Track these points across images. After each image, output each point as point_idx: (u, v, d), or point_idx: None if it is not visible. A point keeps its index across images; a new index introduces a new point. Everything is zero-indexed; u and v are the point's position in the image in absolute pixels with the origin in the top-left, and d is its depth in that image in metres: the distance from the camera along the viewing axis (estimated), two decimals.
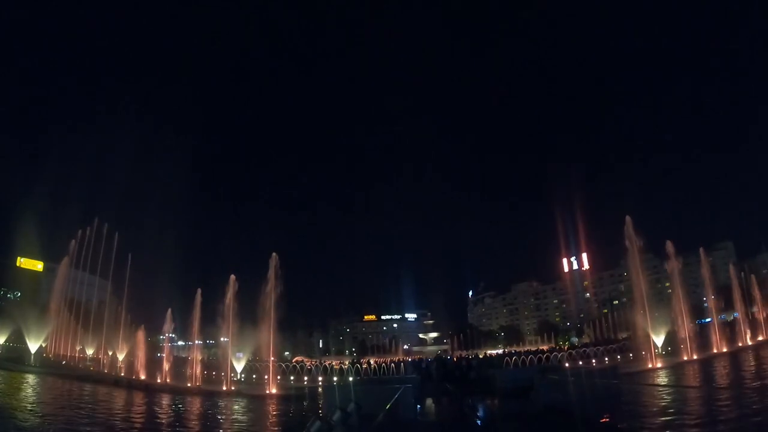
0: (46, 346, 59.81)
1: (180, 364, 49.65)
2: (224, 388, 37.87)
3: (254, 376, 44.64)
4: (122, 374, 48.49)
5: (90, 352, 61.80)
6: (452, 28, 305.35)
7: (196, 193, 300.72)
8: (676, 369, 37.91)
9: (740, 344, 48.99)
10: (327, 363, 74.89)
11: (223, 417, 25.96)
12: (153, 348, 67.35)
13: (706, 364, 38.52)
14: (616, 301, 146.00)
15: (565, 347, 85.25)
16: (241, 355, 46.03)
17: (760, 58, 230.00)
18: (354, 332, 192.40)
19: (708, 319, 58.19)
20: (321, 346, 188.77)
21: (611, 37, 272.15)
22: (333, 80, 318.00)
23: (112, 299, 68.44)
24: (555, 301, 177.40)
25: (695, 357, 42.09)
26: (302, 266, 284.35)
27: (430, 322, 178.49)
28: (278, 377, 40.13)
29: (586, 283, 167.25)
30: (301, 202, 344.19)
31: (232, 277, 41.20)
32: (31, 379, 40.13)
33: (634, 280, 46.85)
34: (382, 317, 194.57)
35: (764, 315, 54.86)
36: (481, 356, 73.03)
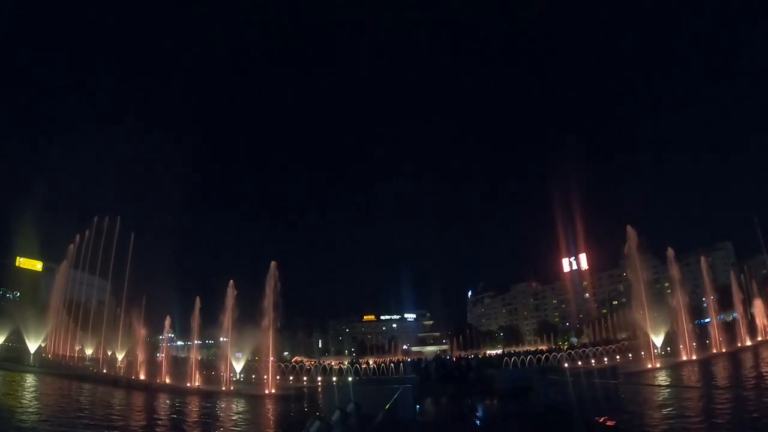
0: (46, 346, 59.74)
1: (179, 364, 49.61)
2: (223, 388, 37.85)
3: (253, 376, 44.62)
4: (121, 374, 48.44)
5: (89, 352, 61.73)
6: (451, 29, 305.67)
7: (197, 193, 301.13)
8: (675, 369, 37.90)
9: (739, 344, 49.01)
10: (326, 363, 74.89)
11: (223, 417, 25.94)
12: (152, 348, 67.34)
13: (706, 364, 38.53)
14: (616, 302, 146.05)
15: (564, 347, 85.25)
16: (240, 355, 46.00)
17: (760, 58, 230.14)
18: (353, 332, 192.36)
19: (707, 320, 58.23)
20: (320, 346, 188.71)
21: (613, 37, 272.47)
22: (331, 82, 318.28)
23: (111, 299, 68.41)
24: (554, 302, 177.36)
25: (694, 357, 42.10)
26: (302, 266, 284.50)
27: (430, 322, 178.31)
28: (277, 377, 40.09)
29: (585, 283, 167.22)
30: (301, 203, 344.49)
31: (231, 282, 41.34)
32: (30, 379, 40.09)
33: (634, 285, 46.84)
34: (382, 317, 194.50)
35: (763, 315, 54.86)
36: (480, 356, 73.08)
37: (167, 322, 50.54)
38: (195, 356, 44.64)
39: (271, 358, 38.53)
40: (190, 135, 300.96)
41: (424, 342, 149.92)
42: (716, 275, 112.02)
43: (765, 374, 30.14)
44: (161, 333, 57.37)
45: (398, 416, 17.52)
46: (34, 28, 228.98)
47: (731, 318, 58.64)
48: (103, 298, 71.39)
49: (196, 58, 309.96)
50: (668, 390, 23.67)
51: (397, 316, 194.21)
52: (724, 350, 46.10)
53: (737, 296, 54.59)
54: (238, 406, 30.46)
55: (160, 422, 23.31)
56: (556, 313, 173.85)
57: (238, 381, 41.01)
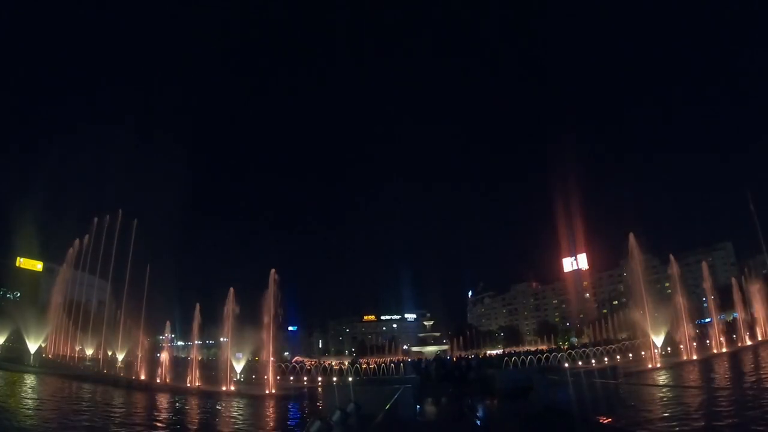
0: (46, 347, 59.74)
1: (179, 364, 49.61)
2: (224, 388, 37.85)
3: (254, 376, 44.62)
4: (122, 374, 48.44)
5: (89, 352, 61.75)
6: (450, 28, 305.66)
7: (199, 192, 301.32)
8: (676, 369, 37.88)
9: (740, 344, 49.00)
10: (326, 363, 74.90)
11: (223, 417, 25.93)
12: (152, 348, 67.34)
13: (706, 364, 38.51)
14: (616, 302, 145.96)
15: (565, 347, 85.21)
16: (240, 355, 45.99)
17: (761, 57, 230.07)
18: (353, 332, 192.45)
19: (708, 320, 58.22)
20: (320, 346, 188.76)
21: (613, 36, 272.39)
22: (330, 84, 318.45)
23: (112, 300, 68.40)
24: (554, 302, 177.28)
25: (695, 357, 42.09)
26: (303, 267, 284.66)
27: (430, 322, 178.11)
28: (278, 377, 40.09)
29: (585, 283, 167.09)
30: (302, 204, 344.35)
31: (231, 290, 41.76)
32: (30, 379, 40.10)
33: (635, 287, 47.00)
34: (382, 317, 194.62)
35: (763, 315, 54.82)
36: (480, 356, 73.03)
37: (168, 324, 50.66)
38: (195, 357, 44.65)
39: (272, 359, 38.53)
40: (191, 135, 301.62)
41: (424, 342, 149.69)
42: (716, 275, 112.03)
43: (765, 374, 30.14)
44: (161, 333, 57.41)
45: (398, 416, 17.52)
46: (36, 29, 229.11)
47: (732, 318, 58.61)
48: (104, 298, 71.40)
49: (196, 60, 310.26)
50: (669, 390, 23.66)
51: (398, 316, 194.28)
52: (724, 350, 46.07)
53: (737, 296, 54.57)
54: (238, 406, 30.45)
55: (160, 422, 23.31)
56: (556, 313, 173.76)
57: (238, 381, 41.00)
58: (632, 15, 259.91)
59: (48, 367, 49.86)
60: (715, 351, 45.71)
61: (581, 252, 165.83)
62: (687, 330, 44.29)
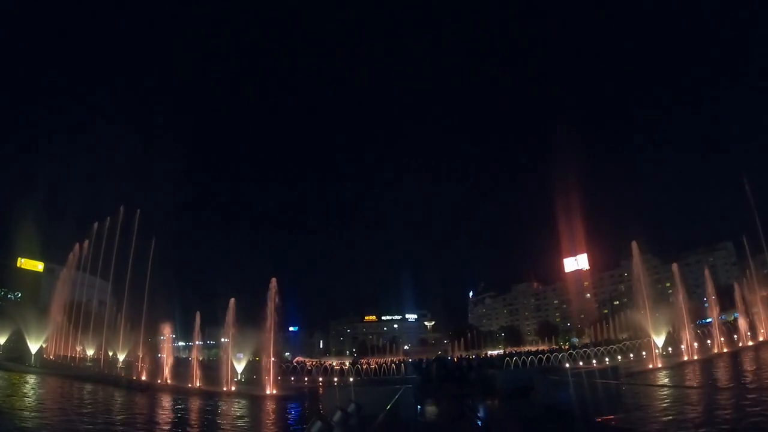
0: (47, 347, 59.77)
1: (180, 364, 49.63)
2: (224, 388, 37.85)
3: (254, 376, 44.61)
4: (122, 375, 48.46)
5: (90, 352, 61.78)
6: (448, 28, 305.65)
7: (200, 191, 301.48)
8: (676, 369, 37.85)
9: (741, 344, 48.94)
10: (327, 363, 74.88)
11: (224, 417, 25.94)
12: (153, 348, 67.33)
13: (707, 364, 38.47)
14: (617, 302, 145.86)
15: (566, 348, 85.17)
16: (241, 355, 45.99)
17: (762, 57, 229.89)
18: (354, 333, 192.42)
19: (709, 320, 58.16)
20: (321, 346, 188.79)
21: (614, 34, 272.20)
22: (330, 85, 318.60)
23: (112, 300, 68.46)
24: (555, 302, 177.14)
25: (696, 357, 42.05)
26: (304, 267, 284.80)
27: (431, 322, 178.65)
28: (279, 378, 40.10)
29: (586, 283, 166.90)
30: (303, 204, 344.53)
31: (232, 300, 42.15)
32: (31, 379, 40.13)
33: (636, 289, 47.22)
34: (383, 318, 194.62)
35: (764, 315, 54.77)
36: (481, 357, 73.00)
37: (168, 326, 50.65)
38: (196, 357, 44.65)
39: (272, 359, 38.53)
40: (193, 135, 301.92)
41: (425, 343, 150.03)
42: (717, 275, 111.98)
43: (766, 374, 30.12)
44: (162, 334, 57.37)
45: (399, 416, 17.51)
46: (36, 30, 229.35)
47: (732, 318, 58.56)
48: (104, 298, 71.48)
49: (197, 62, 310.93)
50: (670, 390, 23.64)
51: (399, 317, 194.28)
52: (725, 350, 46.03)
53: (738, 297, 54.52)
54: (239, 406, 30.47)
55: (161, 422, 23.32)
56: (557, 314, 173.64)
57: (239, 381, 40.99)
58: (634, 13, 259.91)
59: (49, 367, 49.88)
60: (716, 351, 45.65)
61: (582, 252, 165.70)
62: (688, 330, 44.28)
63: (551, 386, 21.02)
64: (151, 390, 38.22)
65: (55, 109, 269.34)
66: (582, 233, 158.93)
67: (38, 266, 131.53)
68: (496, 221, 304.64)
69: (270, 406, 30.75)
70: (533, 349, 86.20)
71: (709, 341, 48.86)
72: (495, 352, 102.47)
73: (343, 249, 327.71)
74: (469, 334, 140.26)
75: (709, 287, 57.33)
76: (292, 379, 47.16)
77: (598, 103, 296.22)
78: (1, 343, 59.31)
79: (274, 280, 38.75)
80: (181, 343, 79.57)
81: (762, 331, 53.37)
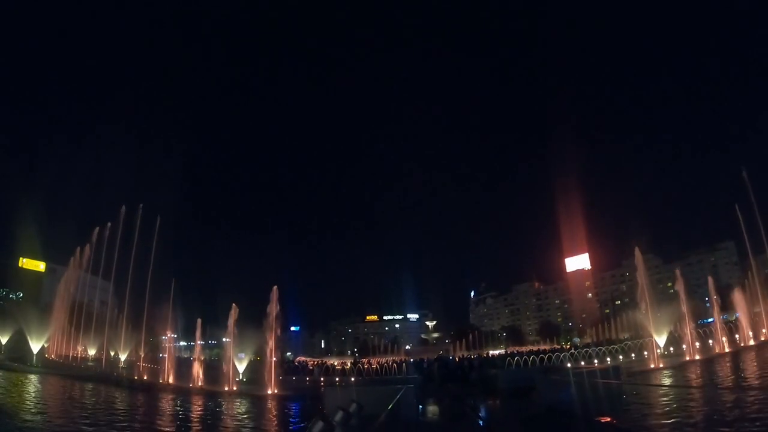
0: (48, 347, 59.86)
1: (182, 364, 49.68)
2: (226, 388, 37.89)
3: (256, 376, 44.66)
4: (124, 374, 48.53)
5: (92, 352, 61.87)
6: (447, 27, 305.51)
7: (203, 189, 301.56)
8: (678, 369, 37.80)
9: (742, 344, 48.86)
10: (329, 363, 74.88)
11: (225, 417, 25.97)
12: (155, 348, 67.36)
13: (709, 364, 38.41)
14: (618, 302, 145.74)
15: (567, 347, 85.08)
16: (242, 355, 46.05)
17: (764, 58, 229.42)
18: (356, 332, 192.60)
19: (710, 319, 58.07)
20: (323, 346, 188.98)
21: (615, 31, 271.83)
22: (329, 86, 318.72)
23: (114, 300, 68.51)
24: (557, 302, 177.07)
25: (697, 357, 41.99)
26: (305, 267, 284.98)
27: (432, 322, 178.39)
28: (280, 377, 40.14)
29: (587, 283, 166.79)
30: (304, 205, 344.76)
31: (234, 307, 42.18)
32: (33, 379, 40.20)
33: (638, 290, 47.46)
34: (384, 318, 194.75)
35: (766, 315, 54.64)
36: (482, 357, 72.95)
37: (170, 326, 50.74)
38: (198, 357, 44.72)
39: (274, 359, 38.58)
40: (195, 133, 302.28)
41: (426, 343, 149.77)
42: (718, 275, 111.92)
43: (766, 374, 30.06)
44: (164, 333, 57.43)
45: (401, 416, 17.50)
46: (36, 31, 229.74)
47: (734, 318, 58.45)
48: (106, 298, 71.53)
49: (196, 67, 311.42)
50: (671, 390, 23.61)
51: (400, 317, 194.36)
52: (727, 350, 45.95)
53: (739, 297, 54.42)
54: (241, 406, 30.50)
55: (162, 422, 23.35)
56: (558, 313, 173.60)
57: (240, 381, 41.04)
58: (635, 12, 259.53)
59: (50, 367, 49.97)
60: (717, 351, 45.58)
61: (584, 252, 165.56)
62: (689, 330, 44.24)
63: (553, 386, 21.02)
64: (152, 390, 38.27)
65: (57, 109, 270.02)
66: (583, 233, 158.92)
67: (40, 266, 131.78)
68: (497, 221, 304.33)
69: (271, 405, 30.79)
70: (534, 348, 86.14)
71: (710, 341, 48.79)
72: (496, 352, 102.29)
73: (345, 249, 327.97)
74: (470, 334, 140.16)
75: (711, 287, 57.23)
76: (294, 378, 47.17)
77: (599, 103, 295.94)
78: (3, 343, 59.42)
79: (275, 288, 38.98)
80: (182, 343, 79.70)
81: (764, 330, 53.25)
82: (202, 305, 44.21)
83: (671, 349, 47.34)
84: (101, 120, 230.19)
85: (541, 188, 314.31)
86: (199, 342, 47.81)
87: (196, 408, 29.20)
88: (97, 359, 58.29)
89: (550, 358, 51.11)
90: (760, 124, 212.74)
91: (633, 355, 48.93)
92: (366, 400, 14.61)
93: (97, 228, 62.31)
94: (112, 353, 59.76)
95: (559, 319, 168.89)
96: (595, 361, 49.22)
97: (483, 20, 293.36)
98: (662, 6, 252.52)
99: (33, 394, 31.40)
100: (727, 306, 61.78)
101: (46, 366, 50.31)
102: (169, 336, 56.76)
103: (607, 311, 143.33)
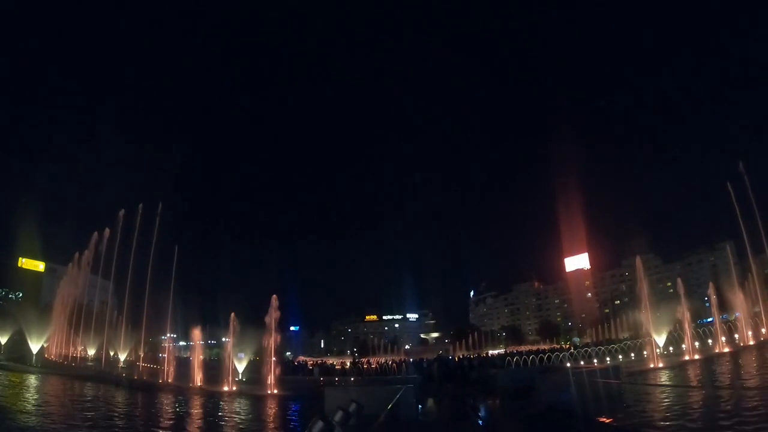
0: (48, 347, 59.82)
1: (182, 364, 49.64)
2: (226, 388, 37.87)
3: (256, 376, 44.66)
4: (124, 374, 48.50)
5: (91, 352, 61.85)
6: (445, 26, 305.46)
7: (205, 187, 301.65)
8: (678, 369, 37.80)
9: (742, 344, 48.86)
10: (329, 363, 74.88)
11: (225, 416, 25.96)
12: (154, 348, 67.32)
13: (708, 363, 38.39)
14: (618, 301, 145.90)
15: (567, 347, 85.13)
16: (242, 355, 46.01)
17: (764, 57, 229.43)
18: (356, 332, 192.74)
19: (710, 319, 58.07)
20: (323, 346, 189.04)
21: (616, 29, 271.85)
22: (329, 87, 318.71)
23: (114, 300, 68.45)
24: (556, 301, 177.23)
25: (697, 357, 41.99)
26: (306, 267, 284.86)
27: (432, 322, 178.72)
28: (280, 377, 40.13)
29: (587, 283, 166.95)
30: (304, 205, 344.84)
31: (233, 315, 42.44)
32: (32, 379, 40.15)
33: (638, 291, 47.72)
34: (384, 317, 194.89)
35: (766, 314, 54.63)
36: (482, 356, 72.95)
37: (169, 326, 50.76)
38: (197, 357, 44.68)
39: (273, 359, 38.59)
40: (196, 134, 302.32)
41: (426, 342, 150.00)
42: (718, 274, 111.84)
43: (767, 374, 30.07)
44: (163, 333, 57.37)
45: (400, 416, 17.51)
46: (36, 31, 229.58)
47: (734, 317, 58.46)
48: (106, 298, 71.48)
49: (195, 69, 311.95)
50: (671, 389, 23.61)
51: (400, 317, 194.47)
52: (726, 350, 45.95)
53: (739, 296, 54.42)
54: (240, 405, 30.49)
55: (162, 421, 23.34)
56: (558, 313, 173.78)
57: (240, 381, 41.02)
58: (635, 13, 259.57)
59: (50, 367, 49.93)
60: (717, 351, 45.59)
61: (583, 252, 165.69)
62: (689, 330, 44.27)
63: (552, 386, 21.01)
64: (152, 389, 38.23)
65: (57, 109, 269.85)
66: (583, 233, 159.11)
67: (39, 266, 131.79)
68: (497, 221, 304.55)
69: (271, 405, 30.77)
70: (534, 348, 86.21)
71: (710, 340, 48.82)
72: (496, 352, 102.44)
73: (345, 249, 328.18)
74: (470, 334, 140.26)
75: (711, 286, 57.23)
76: (293, 378, 47.16)
77: (599, 103, 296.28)
78: (3, 343, 59.39)
79: (274, 297, 39.17)
80: (182, 343, 79.61)
81: (763, 330, 53.24)
82: (202, 304, 44.10)
83: (671, 348, 47.35)
84: (101, 120, 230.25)
85: (541, 188, 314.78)
86: (199, 342, 47.77)
87: (196, 408, 29.18)
88: (96, 359, 58.27)
89: (549, 357, 51.15)
90: (760, 123, 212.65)
91: (632, 354, 48.96)
92: (366, 400, 14.60)
93: (96, 233, 62.19)
94: (112, 353, 59.72)
95: (558, 319, 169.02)
96: (595, 360, 49.27)
97: (482, 19, 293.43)
98: (662, 6, 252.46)
99: (32, 395, 31.37)
100: (726, 306, 61.75)
101: (45, 366, 50.28)
102: (168, 336, 56.71)
103: (607, 311, 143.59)
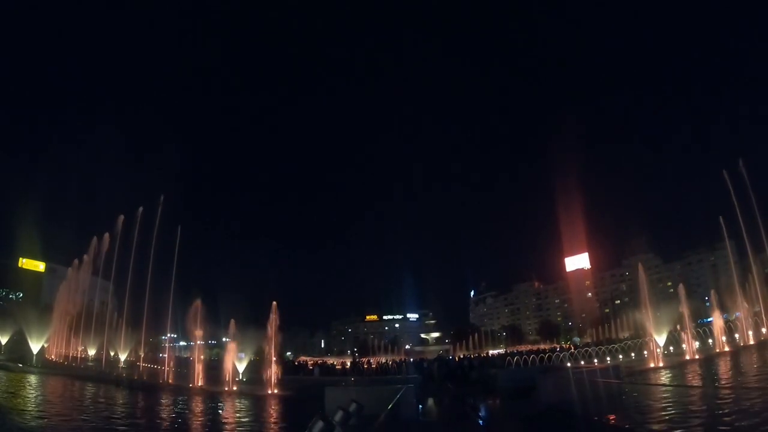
0: (48, 347, 59.82)
1: (182, 364, 49.62)
2: (226, 388, 37.87)
3: (256, 376, 44.66)
4: (124, 374, 48.50)
5: (92, 352, 61.87)
6: (443, 26, 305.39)
7: (207, 186, 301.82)
8: (678, 368, 37.77)
9: (742, 344, 48.85)
10: (329, 363, 74.92)
11: (225, 416, 25.96)
12: (154, 348, 67.27)
13: (709, 363, 38.38)
14: (618, 301, 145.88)
15: (567, 346, 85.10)
16: (242, 355, 46.01)
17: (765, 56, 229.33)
18: (356, 332, 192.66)
19: (710, 318, 58.04)
20: (323, 346, 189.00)
21: (618, 30, 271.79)
22: (326, 89, 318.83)
23: (114, 300, 68.44)
24: (556, 301, 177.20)
25: (697, 356, 41.98)
26: (306, 267, 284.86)
27: (432, 322, 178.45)
28: (280, 377, 40.15)
29: (587, 282, 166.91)
30: (304, 205, 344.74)
31: (232, 321, 42.93)
32: (33, 379, 40.15)
33: (638, 288, 47.80)
34: (384, 317, 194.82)
35: (766, 314, 54.60)
36: (482, 356, 72.97)
37: (169, 326, 50.71)
38: (197, 357, 44.68)
39: (274, 359, 38.61)
40: (197, 135, 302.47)
41: (426, 342, 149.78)
42: (718, 274, 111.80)
43: (766, 373, 30.06)
44: (164, 333, 57.31)
45: (401, 416, 17.50)
46: (36, 32, 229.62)
47: (734, 317, 58.46)
48: (106, 298, 71.45)
49: (194, 71, 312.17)
50: (671, 389, 23.59)
51: (400, 316, 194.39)
52: (727, 349, 45.95)
53: (739, 296, 54.42)
54: (241, 405, 30.48)
55: (162, 421, 23.34)
56: (558, 313, 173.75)
57: (240, 381, 41.02)
58: (635, 12, 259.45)
59: (50, 367, 49.95)
60: (717, 350, 45.58)
61: (583, 251, 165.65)
62: (689, 329, 44.27)
63: (553, 385, 21.01)
64: (152, 390, 38.23)
65: (57, 109, 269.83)
66: (583, 232, 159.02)
67: (39, 266, 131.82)
68: (497, 221, 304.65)
69: (271, 405, 30.76)
70: (534, 348, 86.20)
71: (710, 340, 48.81)
72: (496, 352, 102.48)
73: (345, 249, 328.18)
74: (470, 334, 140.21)
75: (712, 289, 57.27)
76: (294, 378, 47.16)
77: (599, 103, 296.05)
78: (3, 343, 59.41)
79: (274, 304, 39.37)
80: (182, 343, 79.56)
81: (763, 330, 53.23)
82: (202, 302, 44.00)
83: (671, 348, 47.34)
84: (101, 120, 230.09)
85: (541, 188, 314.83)
86: (199, 342, 47.75)
87: (196, 408, 29.18)
88: (96, 359, 58.28)
89: (550, 357, 51.19)
90: (760, 123, 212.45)
91: (633, 354, 48.97)
92: (366, 399, 14.60)
93: (95, 237, 62.15)
94: (112, 353, 59.72)
95: (559, 319, 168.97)
96: (595, 360, 49.29)
97: (482, 19, 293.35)
98: (662, 6, 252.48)
99: (32, 395, 31.36)
100: (727, 305, 61.75)
101: (45, 366, 50.29)
102: (168, 336, 56.64)
103: (607, 311, 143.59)
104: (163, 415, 25.80)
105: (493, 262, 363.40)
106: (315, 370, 54.46)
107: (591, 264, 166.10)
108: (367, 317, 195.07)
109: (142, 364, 52.57)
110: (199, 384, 39.84)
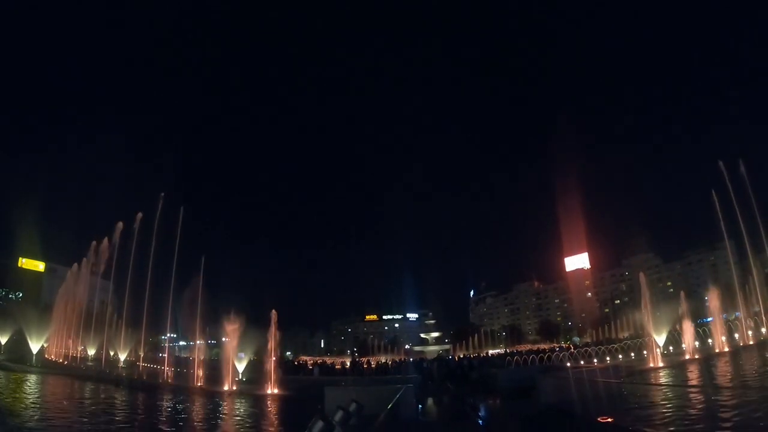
0: (48, 347, 59.79)
1: (181, 364, 49.60)
2: (226, 388, 37.86)
3: (256, 375, 44.64)
4: (124, 374, 48.49)
5: (91, 352, 61.85)
6: (443, 26, 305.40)
7: (208, 184, 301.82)
8: (678, 368, 37.77)
9: (742, 343, 48.87)
10: (329, 362, 74.90)
11: (225, 416, 25.95)
12: (154, 348, 67.25)
13: (708, 362, 38.38)
14: (618, 301, 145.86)
15: (567, 346, 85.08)
16: (242, 355, 45.99)
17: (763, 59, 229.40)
18: (356, 332, 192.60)
19: (710, 318, 58.06)
20: (323, 345, 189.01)
21: (618, 29, 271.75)
22: (326, 90, 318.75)
23: (114, 300, 68.41)
24: (556, 301, 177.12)
25: (697, 356, 41.99)
26: (306, 267, 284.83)
27: (432, 321, 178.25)
28: (280, 377, 40.15)
29: (587, 282, 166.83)
30: (304, 205, 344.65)
31: (232, 321, 42.23)
32: (32, 379, 40.14)
33: (639, 292, 47.86)
34: (384, 317, 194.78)
35: (765, 313, 54.63)
36: (482, 356, 72.96)
37: (169, 324, 50.68)
38: (197, 356, 44.68)
39: (273, 358, 38.60)
40: (198, 135, 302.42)
41: (426, 342, 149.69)
42: (718, 274, 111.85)
43: (766, 373, 30.06)
44: (163, 333, 57.31)
45: (400, 416, 17.51)
46: (37, 32, 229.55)
47: (734, 316, 58.50)
48: (106, 298, 71.43)
49: (193, 72, 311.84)
50: (671, 389, 23.60)
51: (400, 316, 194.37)
52: (726, 349, 45.96)
53: (739, 295, 54.44)
54: (240, 405, 30.47)
55: (162, 421, 23.33)
56: (558, 313, 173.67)
57: (240, 381, 41.01)
58: (635, 12, 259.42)
59: (50, 367, 49.93)
60: (717, 350, 45.60)
61: (583, 251, 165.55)
62: (689, 329, 44.27)
63: (553, 385, 21.03)
64: (152, 389, 38.21)
65: (57, 109, 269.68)
66: (583, 232, 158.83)
67: (39, 266, 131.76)
68: (497, 221, 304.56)
69: (271, 405, 30.76)
70: (534, 348, 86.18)
71: (710, 340, 48.82)
72: (496, 351, 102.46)
73: (345, 249, 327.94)
74: (470, 334, 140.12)
75: (711, 289, 57.26)
76: (294, 378, 47.15)
77: (599, 102, 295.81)
78: (3, 343, 59.38)
79: (274, 312, 39.25)
80: (182, 343, 79.58)
81: (763, 329, 53.26)
82: (202, 302, 44.02)
83: (671, 348, 47.34)
84: (101, 120, 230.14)
85: (540, 188, 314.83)
86: (198, 342, 47.74)
87: (196, 408, 29.17)
88: (96, 359, 58.25)
89: (549, 357, 51.17)
90: (760, 123, 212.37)
91: (632, 354, 48.97)
92: (366, 399, 14.60)
93: (95, 241, 62.11)
94: (112, 353, 59.69)
95: (558, 319, 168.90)
96: (595, 360, 49.28)
97: (482, 20, 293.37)
98: (662, 7, 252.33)
99: (32, 395, 31.36)
100: (726, 305, 61.78)
101: (45, 366, 50.27)
102: (168, 336, 56.70)
103: (607, 310, 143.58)
104: (163, 415, 25.79)
105: (493, 262, 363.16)
106: (315, 370, 54.43)
107: (591, 264, 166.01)
108: (367, 317, 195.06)
109: (141, 363, 52.56)
110: (199, 384, 39.84)
